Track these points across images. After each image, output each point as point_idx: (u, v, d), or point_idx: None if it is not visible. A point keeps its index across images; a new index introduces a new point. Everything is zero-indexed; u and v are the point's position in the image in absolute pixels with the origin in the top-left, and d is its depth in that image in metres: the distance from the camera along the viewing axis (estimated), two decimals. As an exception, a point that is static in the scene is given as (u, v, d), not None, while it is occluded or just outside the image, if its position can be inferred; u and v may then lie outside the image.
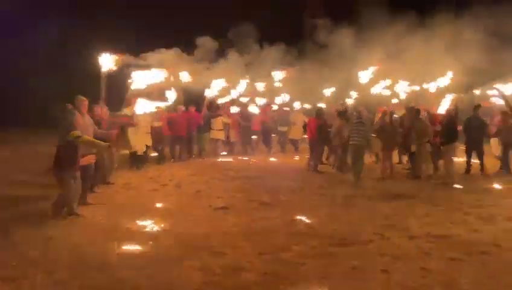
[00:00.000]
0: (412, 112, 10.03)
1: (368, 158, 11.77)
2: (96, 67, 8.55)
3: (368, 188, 8.68)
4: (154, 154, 11.74)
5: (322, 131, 10.75)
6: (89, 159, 6.83)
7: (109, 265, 4.47)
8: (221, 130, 13.27)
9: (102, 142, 6.67)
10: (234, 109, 13.77)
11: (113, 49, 8.65)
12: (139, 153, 10.47)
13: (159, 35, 13.75)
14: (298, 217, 6.40)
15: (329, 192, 8.34)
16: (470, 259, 4.70)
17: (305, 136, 12.72)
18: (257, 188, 8.70)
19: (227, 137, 13.80)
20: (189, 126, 12.27)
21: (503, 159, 9.99)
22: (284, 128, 14.65)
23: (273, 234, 5.64)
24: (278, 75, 14.02)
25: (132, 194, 8.00)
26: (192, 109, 12.65)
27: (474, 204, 7.25)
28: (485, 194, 8.04)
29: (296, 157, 13.50)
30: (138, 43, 11.80)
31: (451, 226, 5.98)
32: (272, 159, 13.27)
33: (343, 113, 10.53)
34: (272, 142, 14.76)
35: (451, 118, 9.35)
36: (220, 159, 12.92)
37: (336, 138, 10.49)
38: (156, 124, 10.88)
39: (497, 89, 9.13)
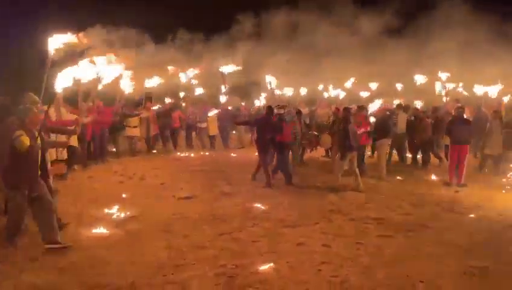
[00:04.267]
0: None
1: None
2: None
3: (318, 180, 9.46)
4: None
5: None
6: (59, 169, 5.72)
7: (81, 246, 4.95)
8: (136, 126, 12.61)
9: (55, 140, 5.90)
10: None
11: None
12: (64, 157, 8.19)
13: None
14: (255, 205, 7.05)
15: (284, 183, 9.05)
16: (397, 235, 5.55)
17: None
18: (218, 180, 9.27)
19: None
20: (102, 124, 10.88)
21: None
22: (203, 125, 14.60)
23: (231, 218, 6.27)
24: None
25: (98, 186, 8.36)
26: (100, 103, 10.91)
27: (410, 192, 8.19)
28: (420, 185, 9.04)
29: (256, 153, 14.11)
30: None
31: (387, 210, 6.85)
32: (232, 154, 13.84)
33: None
34: (192, 139, 14.80)
35: (384, 116, 10.35)
36: (180, 154, 13.34)
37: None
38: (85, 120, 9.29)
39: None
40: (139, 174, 9.78)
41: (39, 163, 4.94)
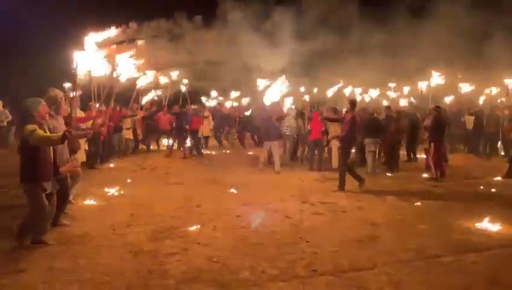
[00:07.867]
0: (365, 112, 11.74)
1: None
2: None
3: (308, 173, 10.28)
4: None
5: None
6: (71, 166, 5.50)
7: (71, 211, 6.36)
8: (128, 129, 13.03)
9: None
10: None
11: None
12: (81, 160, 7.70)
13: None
14: (231, 190, 8.12)
15: (272, 175, 9.99)
16: (330, 214, 6.35)
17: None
18: (216, 172, 10.44)
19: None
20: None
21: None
22: None
23: (200, 198, 7.40)
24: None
25: (112, 174, 9.95)
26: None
27: (380, 185, 8.74)
28: (406, 180, 9.52)
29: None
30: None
31: (343, 198, 7.54)
32: (250, 153, 14.95)
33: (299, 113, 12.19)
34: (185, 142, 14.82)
35: (373, 117, 10.91)
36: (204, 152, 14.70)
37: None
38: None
39: None
40: (153, 166, 11.28)
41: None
